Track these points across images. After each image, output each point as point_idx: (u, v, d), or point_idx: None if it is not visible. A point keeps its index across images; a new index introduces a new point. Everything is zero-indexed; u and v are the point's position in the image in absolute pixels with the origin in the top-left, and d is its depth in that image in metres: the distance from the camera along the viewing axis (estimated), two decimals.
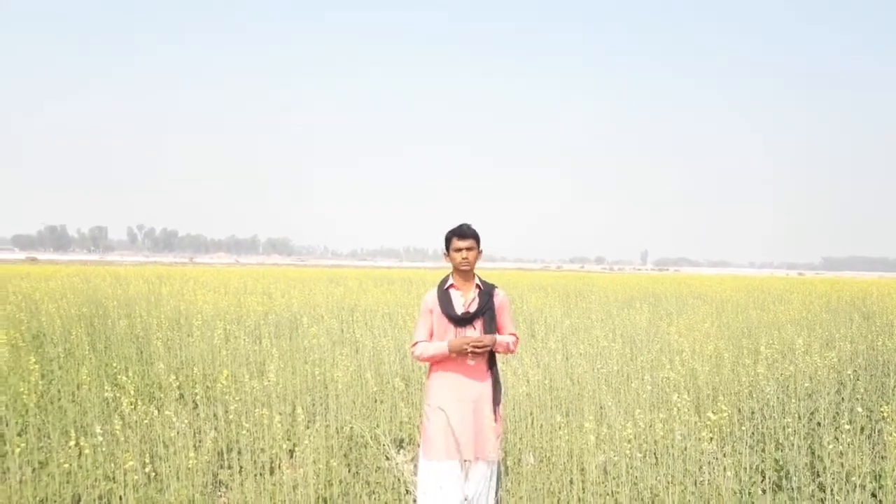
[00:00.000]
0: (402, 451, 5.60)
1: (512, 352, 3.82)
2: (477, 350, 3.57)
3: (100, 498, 4.24)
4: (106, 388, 5.75)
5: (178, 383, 6.06)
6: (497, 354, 3.82)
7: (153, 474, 4.50)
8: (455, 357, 3.65)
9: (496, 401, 3.67)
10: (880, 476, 4.66)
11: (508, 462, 4.85)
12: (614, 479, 4.39)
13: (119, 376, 6.09)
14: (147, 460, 4.16)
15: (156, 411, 4.99)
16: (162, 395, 6.49)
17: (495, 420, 3.64)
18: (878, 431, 5.47)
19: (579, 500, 4.09)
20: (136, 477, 4.05)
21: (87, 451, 4.10)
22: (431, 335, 3.74)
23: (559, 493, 4.33)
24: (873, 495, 4.49)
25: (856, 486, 4.01)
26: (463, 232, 3.70)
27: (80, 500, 4.24)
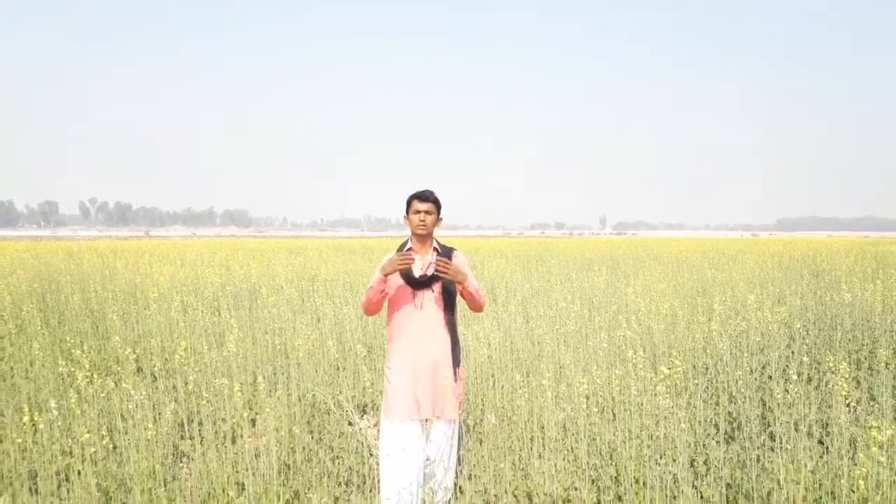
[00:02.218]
0: (365, 416, 5.62)
1: (480, 301, 3.78)
2: (442, 271, 3.50)
3: (57, 473, 4.17)
4: (60, 363, 5.64)
5: (135, 356, 5.96)
6: (456, 319, 3.84)
7: (112, 447, 4.45)
8: (411, 314, 3.66)
9: (455, 361, 3.70)
10: (827, 424, 4.85)
11: (470, 422, 4.91)
12: (573, 435, 4.48)
13: (74, 351, 5.97)
14: (105, 433, 4.10)
15: (113, 385, 4.91)
16: (119, 369, 6.38)
17: (455, 380, 3.67)
18: (826, 382, 5.67)
19: (539, 456, 4.16)
20: (93, 450, 4.00)
21: (41, 427, 4.03)
22: (384, 298, 3.74)
23: (520, 450, 4.41)
24: (820, 442, 4.67)
25: (804, 434, 4.16)
26: (424, 195, 3.71)
27: (36, 476, 4.17)
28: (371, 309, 3.74)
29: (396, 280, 3.70)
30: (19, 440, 4.19)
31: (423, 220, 3.68)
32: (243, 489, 4.01)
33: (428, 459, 3.68)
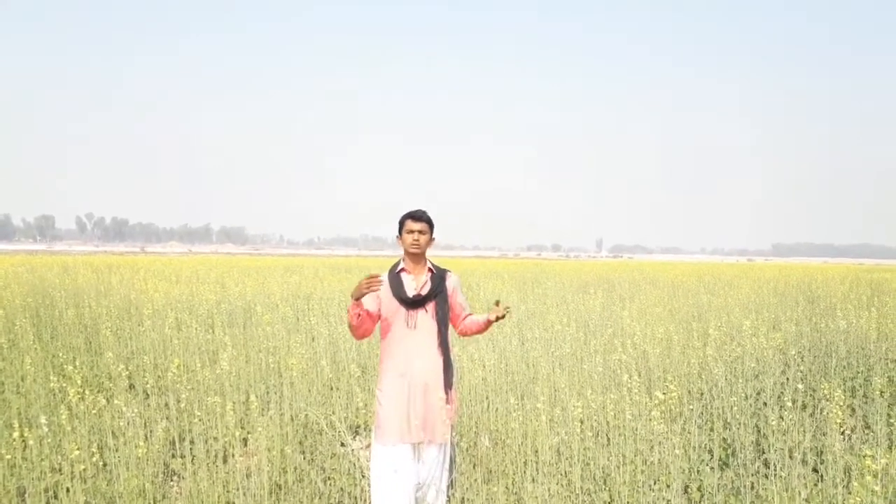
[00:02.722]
0: (357, 437, 5.58)
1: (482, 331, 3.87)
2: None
3: (46, 490, 4.13)
4: (52, 378, 5.60)
5: (127, 373, 5.93)
6: (450, 340, 3.83)
7: (102, 464, 4.41)
8: (404, 334, 3.65)
9: (448, 384, 3.68)
10: (821, 451, 4.83)
11: (463, 445, 4.88)
12: (567, 459, 4.45)
13: (66, 367, 5.93)
14: (95, 450, 4.07)
15: (105, 401, 4.88)
16: (111, 385, 6.34)
17: (447, 402, 3.66)
18: (821, 410, 5.66)
19: (533, 480, 4.14)
20: (83, 467, 3.96)
21: (31, 443, 4.00)
22: (378, 317, 3.73)
23: (513, 474, 4.38)
24: (815, 470, 4.65)
25: (798, 462, 4.15)
26: (417, 215, 3.71)
27: (25, 493, 4.13)
28: (358, 332, 3.66)
29: (390, 300, 3.68)
30: (8, 456, 4.15)
31: (417, 240, 3.68)
32: None
33: (419, 482, 3.65)
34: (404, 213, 3.75)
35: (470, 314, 3.88)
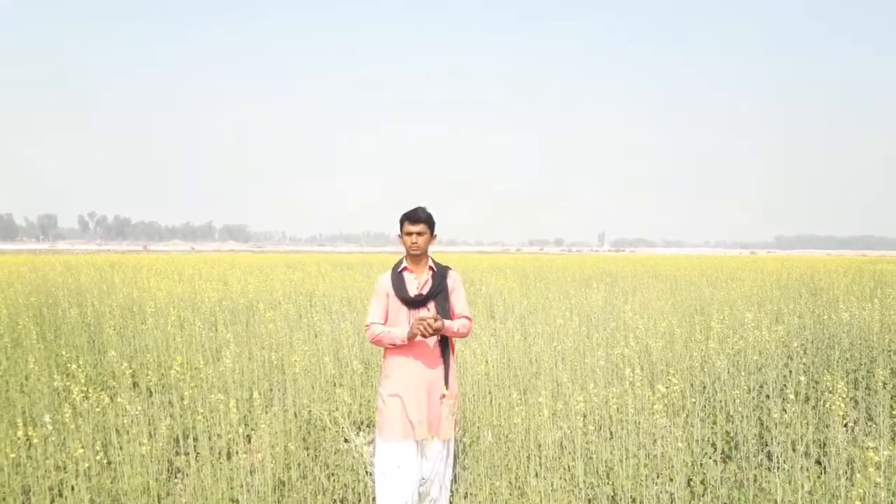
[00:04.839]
0: (361, 433, 5.59)
1: (464, 335, 3.79)
2: (429, 331, 3.51)
3: (50, 488, 4.14)
4: (56, 377, 5.62)
5: (131, 371, 5.94)
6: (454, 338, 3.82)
7: (106, 462, 4.42)
8: (409, 342, 3.64)
9: (447, 380, 3.69)
10: (824, 444, 4.83)
11: (466, 440, 4.89)
12: (570, 453, 4.46)
13: (69, 365, 5.95)
14: (99, 448, 4.08)
15: (108, 399, 4.89)
16: (115, 384, 6.36)
17: (450, 398, 3.66)
18: (823, 402, 5.66)
19: (536, 474, 4.14)
20: (87, 465, 3.97)
21: (35, 441, 4.01)
22: (387, 318, 3.74)
23: (516, 469, 4.39)
24: (817, 462, 4.65)
25: (801, 454, 4.15)
26: (416, 216, 3.68)
27: (30, 491, 4.15)
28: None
29: (393, 300, 3.69)
30: (13, 455, 4.17)
31: (416, 242, 3.66)
32: None
33: (423, 478, 3.66)
34: (403, 213, 3.72)
35: (466, 316, 3.81)
